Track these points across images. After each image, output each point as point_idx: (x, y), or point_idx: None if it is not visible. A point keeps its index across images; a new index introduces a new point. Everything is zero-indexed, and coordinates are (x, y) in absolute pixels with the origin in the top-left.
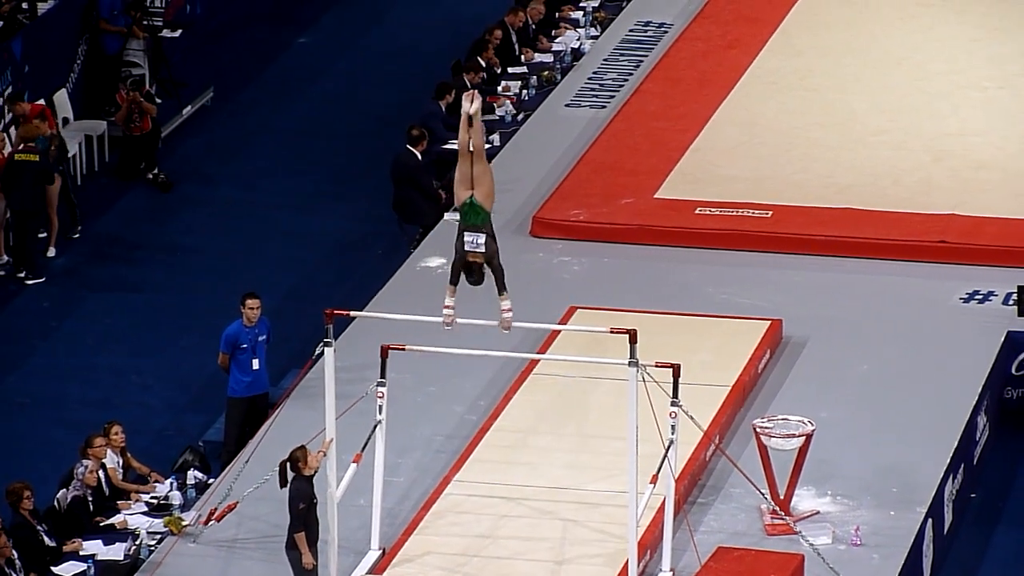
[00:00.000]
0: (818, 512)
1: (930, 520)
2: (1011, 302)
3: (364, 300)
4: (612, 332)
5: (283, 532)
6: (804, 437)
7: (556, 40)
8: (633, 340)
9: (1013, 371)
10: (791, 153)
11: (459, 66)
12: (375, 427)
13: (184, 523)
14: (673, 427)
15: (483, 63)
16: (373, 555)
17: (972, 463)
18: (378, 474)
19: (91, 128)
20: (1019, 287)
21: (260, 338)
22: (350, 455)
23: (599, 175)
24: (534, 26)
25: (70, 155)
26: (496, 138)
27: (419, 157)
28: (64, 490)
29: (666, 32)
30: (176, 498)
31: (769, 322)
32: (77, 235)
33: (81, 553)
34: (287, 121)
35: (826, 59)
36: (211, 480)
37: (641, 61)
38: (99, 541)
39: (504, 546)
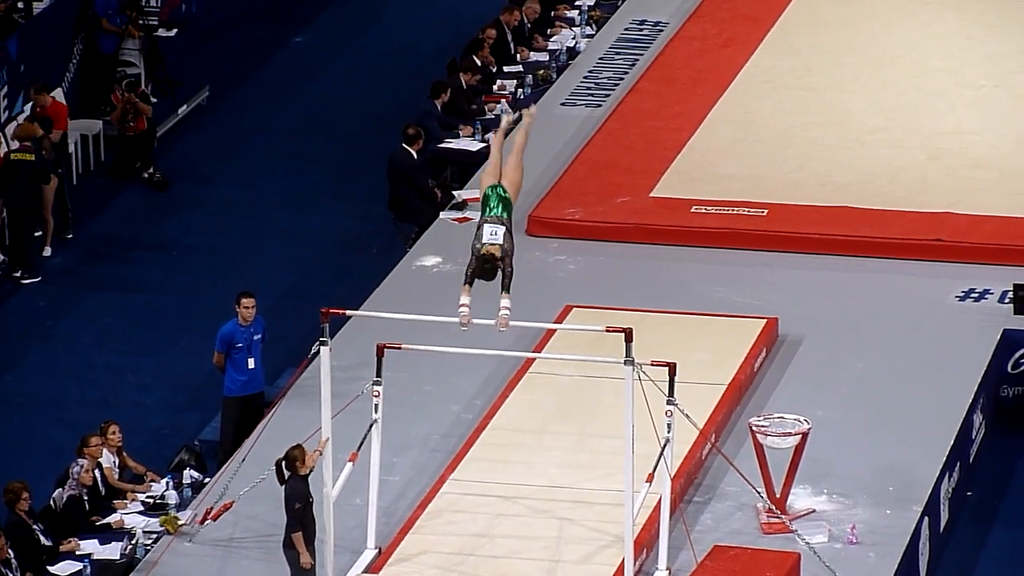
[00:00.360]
0: (814, 510)
1: (926, 518)
2: (1007, 300)
3: (361, 299)
4: (608, 331)
5: (279, 531)
6: (800, 435)
7: (552, 39)
8: (629, 339)
9: (1009, 369)
10: (787, 152)
11: (455, 65)
12: (371, 426)
13: (180, 522)
14: (669, 426)
15: (479, 62)
16: (369, 554)
17: (968, 461)
18: (374, 473)
19: (87, 127)
20: (1015, 285)
21: (255, 337)
22: (346, 454)
23: (595, 174)
24: (529, 25)
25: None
26: (492, 137)
27: (415, 156)
28: (60, 489)
29: (662, 31)
30: (172, 497)
31: (765, 320)
32: (71, 235)
33: (77, 552)
34: (284, 120)
35: (822, 58)
36: (207, 479)
37: (637, 60)
38: (95, 540)
39: (500, 545)
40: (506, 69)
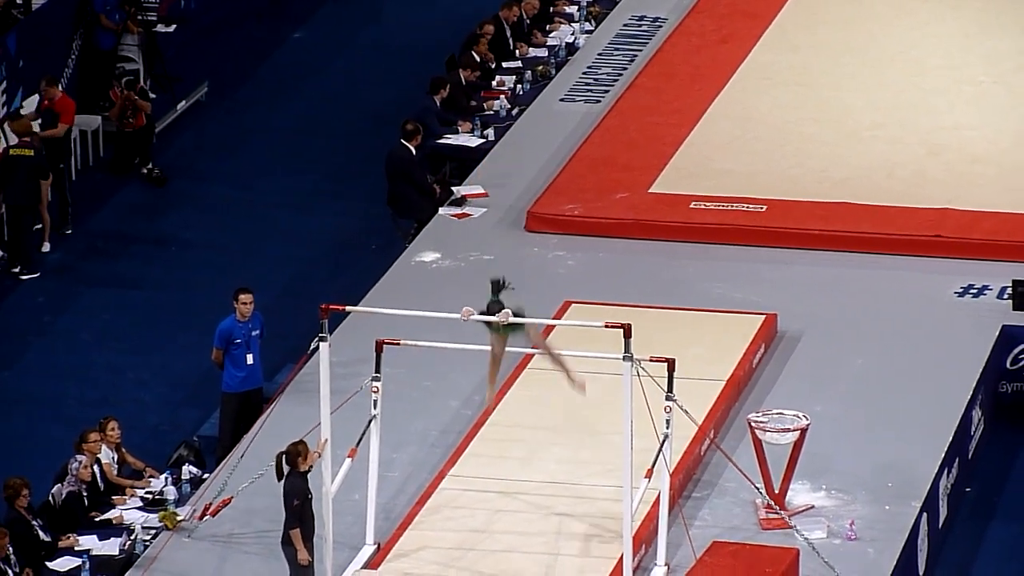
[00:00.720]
0: (813, 506)
1: (925, 514)
2: (1006, 296)
3: (360, 295)
4: (607, 327)
5: (278, 527)
6: (799, 431)
7: (550, 35)
8: (628, 335)
9: (1008, 365)
10: (786, 148)
11: (453, 61)
12: (370, 422)
13: (179, 518)
14: (668, 421)
15: (477, 58)
16: (368, 550)
17: (967, 457)
18: (373, 469)
19: (85, 123)
20: (1014, 281)
21: (253, 333)
22: (345, 450)
23: (594, 170)
24: (528, 20)
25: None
26: (491, 133)
27: (413, 152)
28: (59, 485)
29: (661, 26)
30: (171, 493)
31: (764, 316)
32: (70, 231)
33: (76, 548)
34: (283, 118)
35: (821, 54)
36: (206, 475)
37: (635, 56)
38: (94, 536)
39: (499, 540)
40: (505, 65)
